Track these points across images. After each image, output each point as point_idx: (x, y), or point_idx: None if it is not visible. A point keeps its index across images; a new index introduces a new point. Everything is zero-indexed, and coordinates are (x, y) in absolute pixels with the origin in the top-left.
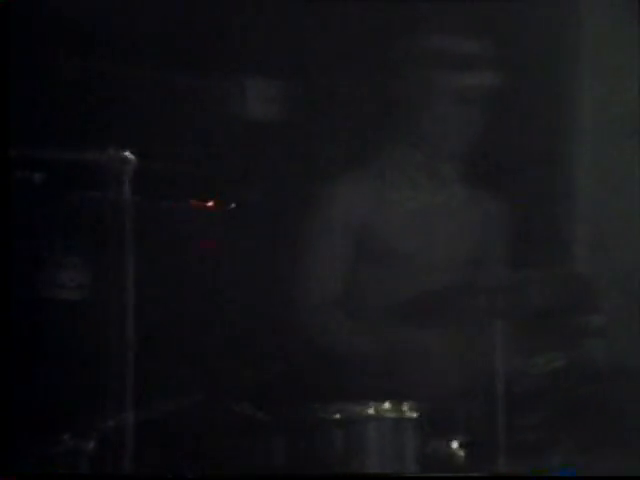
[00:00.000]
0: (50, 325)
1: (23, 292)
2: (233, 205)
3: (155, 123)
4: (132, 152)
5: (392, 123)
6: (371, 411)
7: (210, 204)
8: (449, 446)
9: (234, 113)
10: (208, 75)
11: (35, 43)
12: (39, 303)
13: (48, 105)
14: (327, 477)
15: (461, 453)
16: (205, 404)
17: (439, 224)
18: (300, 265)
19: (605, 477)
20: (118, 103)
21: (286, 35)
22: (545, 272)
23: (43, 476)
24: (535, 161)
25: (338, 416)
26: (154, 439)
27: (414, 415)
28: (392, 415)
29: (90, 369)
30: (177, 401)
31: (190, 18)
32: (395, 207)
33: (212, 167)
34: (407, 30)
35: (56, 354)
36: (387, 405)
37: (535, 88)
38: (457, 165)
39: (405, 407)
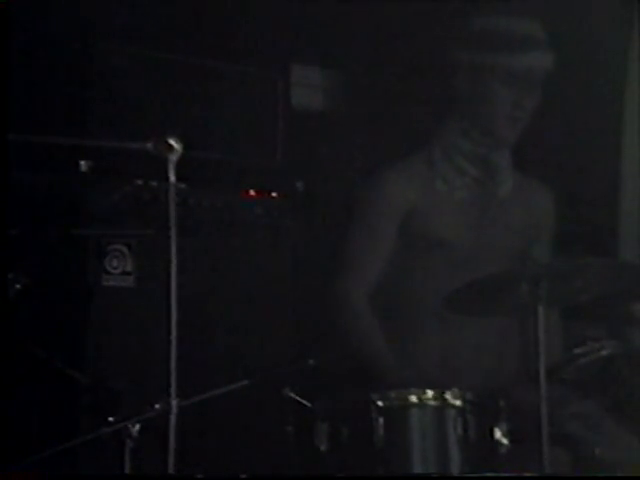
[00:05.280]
0: (96, 311)
1: (70, 279)
2: (275, 194)
3: (199, 113)
4: (177, 140)
5: (440, 111)
6: (414, 399)
7: (253, 193)
8: (492, 435)
9: (280, 102)
10: (255, 64)
11: (77, 34)
12: (86, 290)
13: (92, 94)
14: (327, 477)
15: (504, 442)
16: (250, 390)
17: (488, 213)
18: (345, 254)
19: (604, 477)
20: (163, 92)
21: (333, 23)
22: (592, 261)
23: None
24: (585, 149)
25: (381, 404)
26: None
27: (457, 403)
28: (435, 403)
29: (136, 354)
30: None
31: (236, 6)
32: (443, 196)
33: (257, 156)
34: (457, 13)
35: (103, 340)
36: (430, 393)
37: (588, 74)
38: (506, 153)
39: (448, 395)
